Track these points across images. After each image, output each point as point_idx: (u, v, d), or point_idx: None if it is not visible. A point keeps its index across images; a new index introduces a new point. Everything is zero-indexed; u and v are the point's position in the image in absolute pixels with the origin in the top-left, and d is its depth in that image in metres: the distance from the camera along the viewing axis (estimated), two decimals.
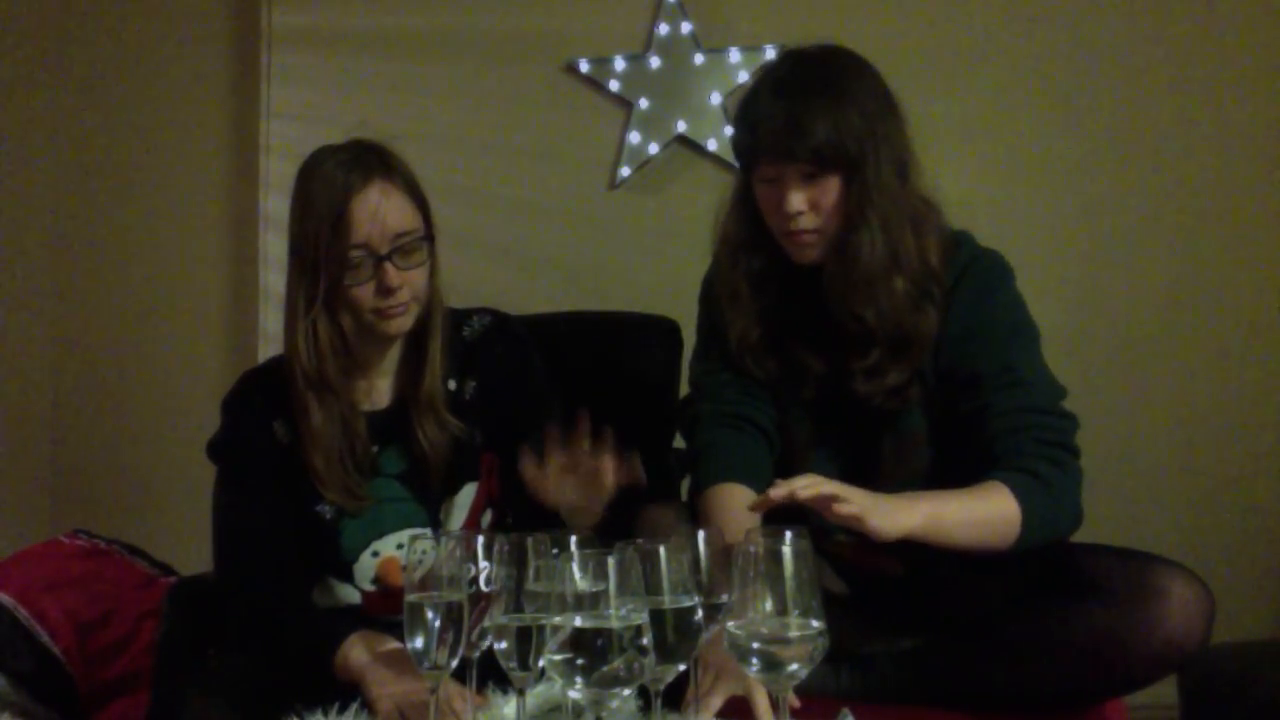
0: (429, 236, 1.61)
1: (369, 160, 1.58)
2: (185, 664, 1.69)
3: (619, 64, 2.77)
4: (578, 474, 1.45)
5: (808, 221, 1.55)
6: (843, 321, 1.58)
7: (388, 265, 1.55)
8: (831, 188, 1.53)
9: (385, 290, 1.56)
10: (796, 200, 1.53)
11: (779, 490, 1.32)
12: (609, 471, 1.43)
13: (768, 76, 1.61)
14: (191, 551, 2.25)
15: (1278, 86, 2.61)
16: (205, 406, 1.93)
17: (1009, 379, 1.51)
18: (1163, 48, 2.64)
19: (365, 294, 1.56)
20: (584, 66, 2.78)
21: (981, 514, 1.43)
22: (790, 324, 1.65)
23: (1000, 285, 1.60)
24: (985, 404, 1.51)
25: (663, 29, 2.75)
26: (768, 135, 1.53)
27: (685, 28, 2.74)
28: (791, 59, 1.62)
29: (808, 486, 1.32)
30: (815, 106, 1.51)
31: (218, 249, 3.03)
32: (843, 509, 1.32)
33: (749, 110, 1.59)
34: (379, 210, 1.55)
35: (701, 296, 1.77)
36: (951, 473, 1.49)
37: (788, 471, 1.45)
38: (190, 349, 3.03)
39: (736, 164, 1.67)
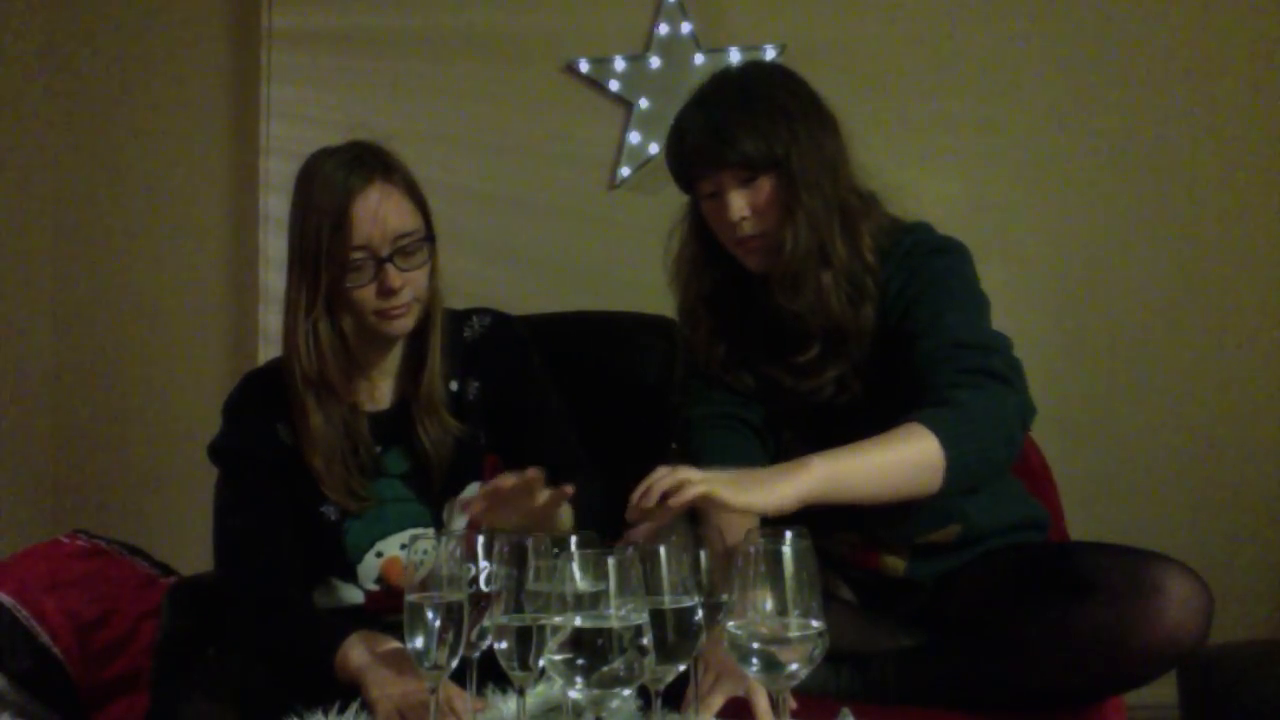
0: (430, 237, 1.61)
1: (369, 161, 1.58)
2: (185, 664, 1.69)
3: (619, 64, 2.77)
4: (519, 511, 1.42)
5: (751, 226, 1.58)
6: (783, 320, 1.60)
7: (389, 267, 1.55)
8: (765, 189, 1.56)
9: (387, 291, 1.56)
10: (737, 206, 1.56)
11: (632, 512, 1.28)
12: (549, 505, 1.41)
13: (691, 98, 1.64)
14: (191, 551, 2.25)
15: (1278, 86, 2.61)
16: (205, 406, 1.93)
17: (935, 326, 1.52)
18: (1163, 47, 2.64)
19: (367, 295, 1.56)
20: (584, 66, 2.78)
21: (894, 459, 1.38)
22: (752, 339, 1.67)
23: (938, 256, 1.60)
24: (913, 353, 1.51)
25: (663, 29, 2.75)
26: (695, 148, 1.58)
27: (685, 28, 2.74)
28: (712, 79, 1.66)
29: (646, 495, 1.27)
30: (736, 114, 1.56)
31: (218, 249, 3.03)
32: (685, 495, 1.26)
33: (675, 130, 1.63)
34: (379, 212, 1.55)
35: None
36: None
37: None
38: (190, 349, 3.03)
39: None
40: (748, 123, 1.55)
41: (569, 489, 1.42)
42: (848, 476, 1.36)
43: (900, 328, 1.56)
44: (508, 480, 1.38)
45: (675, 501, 1.26)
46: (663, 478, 1.28)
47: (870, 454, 1.38)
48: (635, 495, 1.28)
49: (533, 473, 1.38)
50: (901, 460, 1.39)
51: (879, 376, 1.59)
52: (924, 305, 1.55)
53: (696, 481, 1.27)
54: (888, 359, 1.58)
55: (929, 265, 1.58)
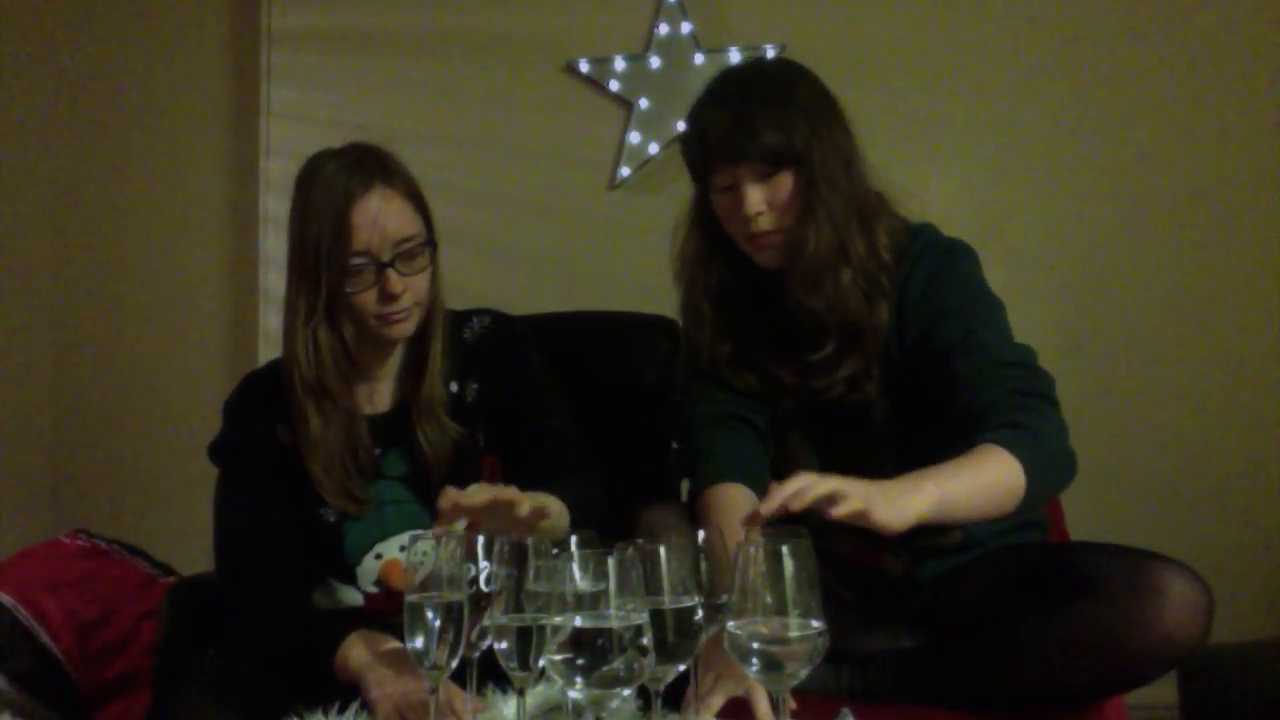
0: (431, 241, 1.61)
1: (369, 165, 1.57)
2: (185, 664, 1.68)
3: (619, 64, 2.77)
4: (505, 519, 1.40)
5: (767, 222, 1.56)
6: (798, 317, 1.60)
7: (390, 272, 1.55)
8: (784, 185, 1.55)
9: (388, 297, 1.55)
10: (755, 200, 1.55)
11: (769, 504, 1.23)
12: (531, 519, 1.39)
13: (708, 91, 1.63)
14: (191, 551, 2.25)
15: (1278, 86, 2.61)
16: (205, 406, 1.93)
17: (971, 343, 1.51)
18: (1164, 48, 2.64)
19: (368, 300, 1.56)
20: (584, 66, 2.78)
21: (986, 481, 1.38)
22: (757, 337, 1.66)
23: (954, 262, 1.60)
24: (952, 372, 1.51)
25: (663, 29, 2.75)
26: (717, 140, 1.56)
27: (685, 28, 2.74)
28: (729, 72, 1.65)
29: (800, 494, 1.23)
30: (759, 108, 1.54)
31: (218, 249, 3.04)
32: (845, 508, 1.24)
33: (695, 123, 1.61)
34: (380, 217, 1.54)
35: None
36: (924, 455, 1.47)
37: (781, 471, 1.44)
38: (190, 349, 3.03)
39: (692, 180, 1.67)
40: (770, 116, 1.53)
41: (545, 511, 1.40)
42: (953, 499, 1.34)
43: (926, 339, 1.55)
44: (474, 498, 1.35)
45: (838, 514, 1.23)
46: (814, 485, 1.24)
47: (966, 476, 1.37)
48: (776, 499, 1.22)
49: (510, 492, 1.37)
50: (994, 481, 1.38)
51: (894, 380, 1.59)
52: (952, 318, 1.54)
53: (851, 497, 1.24)
54: (905, 364, 1.58)
55: (946, 271, 1.58)
